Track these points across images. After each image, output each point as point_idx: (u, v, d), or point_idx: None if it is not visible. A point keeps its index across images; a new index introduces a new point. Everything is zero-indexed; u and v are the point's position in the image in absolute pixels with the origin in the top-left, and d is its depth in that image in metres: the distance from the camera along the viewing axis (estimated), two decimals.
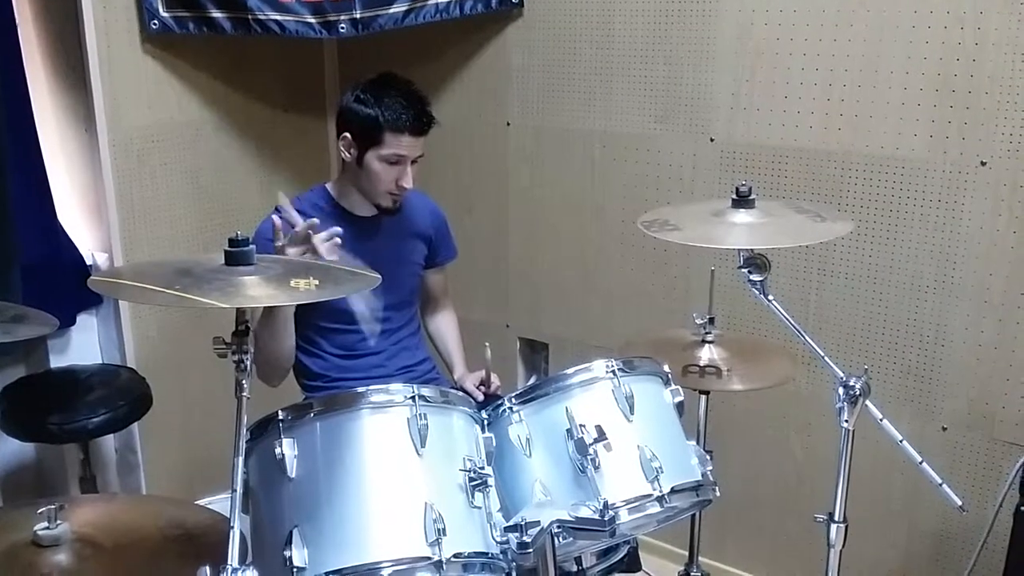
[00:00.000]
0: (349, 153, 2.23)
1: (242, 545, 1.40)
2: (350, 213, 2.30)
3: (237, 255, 1.52)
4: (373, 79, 2.25)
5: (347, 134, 2.21)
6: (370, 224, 2.32)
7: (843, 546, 1.80)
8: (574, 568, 1.82)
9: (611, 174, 2.82)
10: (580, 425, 1.62)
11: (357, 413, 1.57)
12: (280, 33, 2.78)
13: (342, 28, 2.80)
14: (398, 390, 1.60)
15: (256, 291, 1.48)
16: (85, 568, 1.52)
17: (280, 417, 1.56)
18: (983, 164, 2.21)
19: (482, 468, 1.59)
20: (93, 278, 1.58)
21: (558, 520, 1.49)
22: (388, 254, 2.31)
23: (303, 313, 2.31)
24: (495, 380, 2.34)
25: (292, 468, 1.52)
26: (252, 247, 1.54)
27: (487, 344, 2.24)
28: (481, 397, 2.31)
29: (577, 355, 2.45)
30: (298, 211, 2.28)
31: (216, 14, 2.75)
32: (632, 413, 1.69)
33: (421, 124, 2.20)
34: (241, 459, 1.44)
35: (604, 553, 1.87)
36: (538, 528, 1.47)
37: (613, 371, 1.72)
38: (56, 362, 2.80)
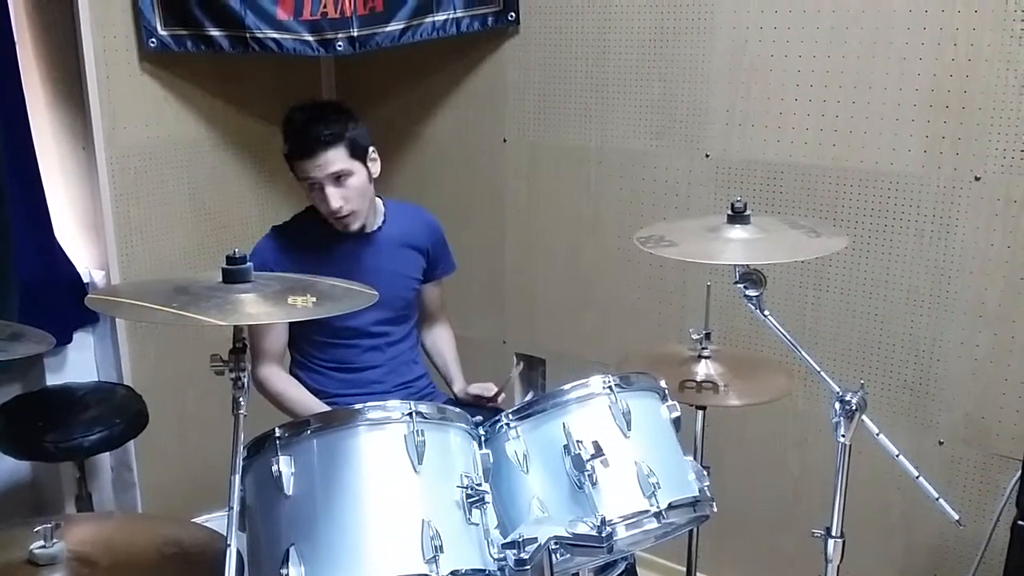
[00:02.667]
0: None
1: (238, 563, 1.39)
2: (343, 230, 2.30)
3: (235, 272, 1.53)
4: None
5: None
6: (366, 240, 2.33)
7: (840, 561, 1.79)
8: None
9: (607, 190, 2.83)
10: (577, 441, 1.62)
11: (354, 430, 1.57)
12: (278, 51, 2.80)
13: (339, 46, 2.82)
14: (395, 407, 1.60)
15: (254, 308, 1.48)
16: None
17: (277, 434, 1.56)
18: (977, 179, 2.22)
19: (479, 485, 1.58)
20: (90, 296, 1.58)
21: (555, 536, 1.48)
22: (384, 269, 2.32)
23: (300, 329, 2.32)
24: (502, 396, 2.34)
25: (289, 486, 1.52)
26: (250, 265, 1.54)
27: (518, 365, 2.24)
28: (493, 392, 2.31)
29: (574, 371, 2.44)
30: (289, 230, 2.30)
31: (214, 32, 2.77)
32: (629, 429, 1.68)
33: (304, 145, 2.17)
34: (238, 477, 1.44)
35: (602, 569, 1.87)
36: (535, 545, 1.47)
37: (610, 387, 1.72)
38: (52, 380, 2.79)
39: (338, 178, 2.18)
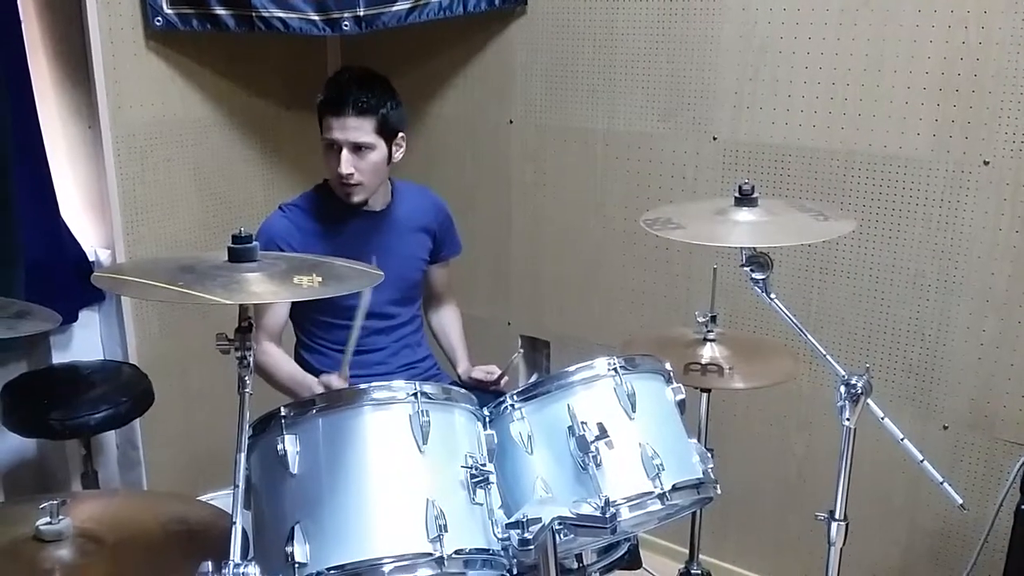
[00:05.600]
0: None
1: (244, 541, 1.40)
2: (352, 208, 2.29)
3: (240, 252, 1.53)
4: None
5: None
6: (374, 219, 2.32)
7: (844, 544, 1.80)
8: (575, 565, 1.82)
9: (614, 172, 2.83)
10: (582, 422, 1.62)
11: (359, 409, 1.57)
12: (284, 30, 2.78)
13: (345, 26, 2.80)
14: (400, 387, 1.60)
15: (259, 288, 1.48)
16: (87, 563, 1.52)
17: (282, 413, 1.56)
18: (986, 163, 2.21)
19: (484, 465, 1.59)
20: (96, 274, 1.58)
21: (559, 517, 1.49)
22: (392, 249, 2.31)
23: (304, 308, 2.32)
24: (505, 379, 2.34)
25: (294, 464, 1.52)
26: (255, 244, 1.54)
27: (521, 351, 2.24)
28: (496, 375, 2.31)
29: (579, 353, 2.45)
30: (297, 208, 2.29)
31: (220, 11, 2.75)
32: (634, 411, 1.69)
33: (338, 103, 2.17)
34: (243, 455, 1.44)
35: (605, 550, 1.87)
36: (539, 525, 1.47)
37: (615, 369, 1.72)
38: (58, 358, 2.80)
39: (358, 148, 2.19)
